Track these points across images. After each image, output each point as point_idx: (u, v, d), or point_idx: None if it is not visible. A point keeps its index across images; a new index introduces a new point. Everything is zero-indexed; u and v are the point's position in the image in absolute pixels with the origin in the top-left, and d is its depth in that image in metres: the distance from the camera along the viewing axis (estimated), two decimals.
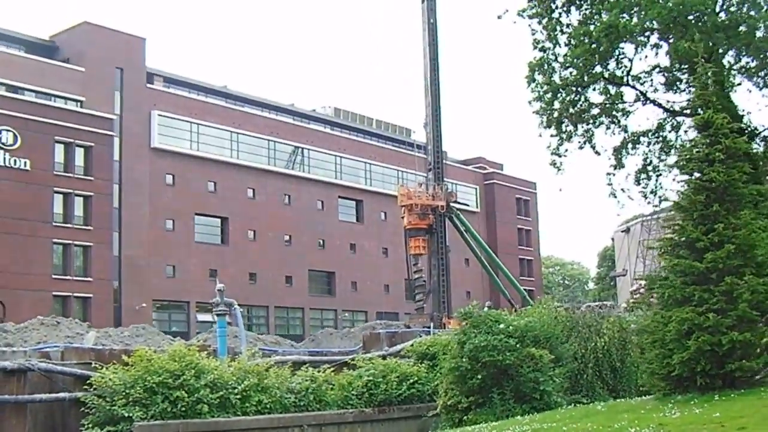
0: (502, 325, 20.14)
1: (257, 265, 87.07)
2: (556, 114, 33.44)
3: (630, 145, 35.32)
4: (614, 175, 35.30)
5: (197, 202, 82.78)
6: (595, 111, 34.53)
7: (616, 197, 35.11)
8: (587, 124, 34.45)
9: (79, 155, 71.31)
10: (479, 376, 19.93)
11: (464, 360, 20.15)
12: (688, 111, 34.36)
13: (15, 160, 66.48)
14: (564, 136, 34.04)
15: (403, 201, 67.04)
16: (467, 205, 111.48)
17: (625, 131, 34.99)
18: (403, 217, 67.76)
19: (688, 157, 17.02)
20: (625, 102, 34.77)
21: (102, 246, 72.31)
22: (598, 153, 35.12)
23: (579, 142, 34.68)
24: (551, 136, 34.26)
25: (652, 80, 33.94)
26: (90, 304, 70.59)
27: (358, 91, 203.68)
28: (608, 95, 34.54)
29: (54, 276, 68.56)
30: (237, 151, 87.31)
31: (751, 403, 13.93)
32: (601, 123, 34.49)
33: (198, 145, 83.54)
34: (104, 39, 76.18)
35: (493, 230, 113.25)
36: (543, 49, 33.21)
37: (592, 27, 31.02)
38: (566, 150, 34.26)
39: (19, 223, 65.81)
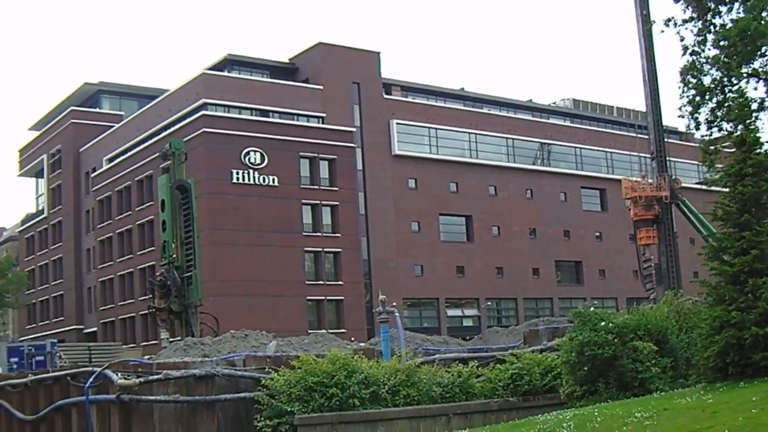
0: (603, 323, 22.66)
1: (503, 259, 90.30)
2: (707, 116, 34.37)
3: None
4: None
5: (440, 202, 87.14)
6: (754, 106, 35.18)
7: None
8: (747, 120, 35.12)
9: (324, 168, 77.48)
10: (585, 368, 22.51)
11: (573, 354, 22.82)
12: None
13: (264, 178, 73.20)
14: (719, 136, 34.87)
15: (628, 194, 68.12)
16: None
17: None
18: (629, 209, 68.95)
19: (727, 172, 19.07)
20: None
21: (351, 251, 77.98)
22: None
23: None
24: (702, 137, 35.37)
25: None
26: (342, 307, 76.44)
27: (594, 79, 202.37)
28: None
29: (307, 282, 74.78)
30: (476, 151, 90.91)
31: (749, 391, 15.94)
32: (758, 118, 35.06)
33: (437, 149, 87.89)
34: (339, 57, 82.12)
35: None
36: (694, 53, 34.29)
37: (729, 28, 32.02)
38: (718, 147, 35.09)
39: (272, 235, 72.37)
